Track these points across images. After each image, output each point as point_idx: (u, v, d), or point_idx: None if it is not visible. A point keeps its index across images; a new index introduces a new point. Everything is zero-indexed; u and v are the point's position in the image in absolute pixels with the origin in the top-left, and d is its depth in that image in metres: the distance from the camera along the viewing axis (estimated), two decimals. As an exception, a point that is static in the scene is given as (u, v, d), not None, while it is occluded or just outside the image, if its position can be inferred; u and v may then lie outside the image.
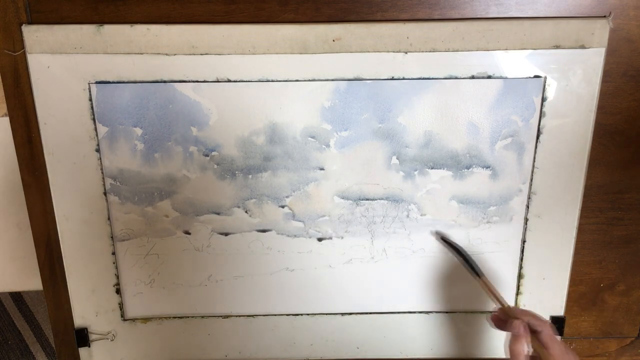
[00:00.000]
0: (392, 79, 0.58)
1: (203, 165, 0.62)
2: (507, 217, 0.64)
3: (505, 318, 0.57)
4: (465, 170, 0.62)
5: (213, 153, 0.61)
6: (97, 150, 0.61)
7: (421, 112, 0.60)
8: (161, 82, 0.58)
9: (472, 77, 0.58)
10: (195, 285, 0.67)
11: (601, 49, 0.57)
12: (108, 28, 0.56)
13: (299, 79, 0.58)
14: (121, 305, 0.67)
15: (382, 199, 0.63)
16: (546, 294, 0.66)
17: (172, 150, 0.61)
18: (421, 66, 0.58)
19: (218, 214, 0.64)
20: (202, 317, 0.68)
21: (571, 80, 0.58)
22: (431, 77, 0.58)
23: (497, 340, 0.69)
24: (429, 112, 0.60)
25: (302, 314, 0.68)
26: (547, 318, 0.67)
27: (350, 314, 0.68)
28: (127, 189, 0.62)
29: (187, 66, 0.58)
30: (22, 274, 0.80)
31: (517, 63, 0.58)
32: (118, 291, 0.67)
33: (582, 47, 0.57)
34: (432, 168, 0.62)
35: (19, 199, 0.72)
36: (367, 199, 0.63)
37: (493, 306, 0.60)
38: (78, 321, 0.67)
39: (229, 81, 0.58)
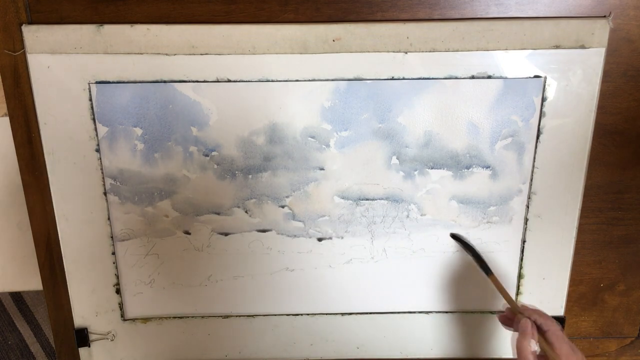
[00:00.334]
0: (392, 79, 0.58)
1: (203, 165, 0.62)
2: (507, 217, 0.64)
3: (512, 316, 0.57)
4: (465, 170, 0.62)
5: (213, 153, 0.61)
6: (97, 150, 0.61)
7: (421, 112, 0.60)
8: (161, 82, 0.58)
9: (472, 77, 0.58)
10: (195, 285, 0.67)
11: (601, 49, 0.57)
12: (108, 28, 0.56)
13: (299, 79, 0.58)
14: (121, 305, 0.67)
15: (382, 199, 0.63)
16: (546, 294, 0.66)
17: (172, 150, 0.61)
18: (421, 66, 0.58)
19: (218, 214, 0.64)
20: (202, 317, 0.68)
21: (571, 80, 0.58)
22: (431, 77, 0.58)
23: (498, 340, 0.69)
24: (429, 112, 0.60)
25: (302, 314, 0.68)
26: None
27: (350, 314, 0.68)
28: (127, 189, 0.62)
29: (187, 66, 0.58)
30: (22, 274, 0.80)
31: (517, 63, 0.58)
32: (118, 291, 0.67)
33: (582, 47, 0.57)
34: (432, 168, 0.62)
35: (19, 199, 0.72)
36: (367, 199, 0.63)
37: (500, 305, 0.60)
38: (78, 321, 0.67)
39: (229, 81, 0.58)
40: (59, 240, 0.64)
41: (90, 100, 0.59)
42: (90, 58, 0.57)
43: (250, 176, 0.62)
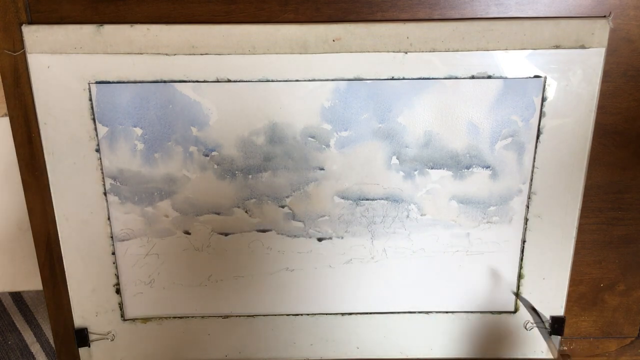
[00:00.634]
0: (392, 79, 0.58)
1: (203, 165, 0.62)
2: (507, 217, 0.64)
3: None
4: (465, 170, 0.62)
5: (213, 153, 0.61)
6: (97, 150, 0.61)
7: (421, 112, 0.60)
8: (161, 82, 0.58)
9: (472, 77, 0.58)
10: (195, 285, 0.67)
11: (601, 49, 0.57)
12: (108, 28, 0.56)
13: (299, 79, 0.58)
14: (121, 305, 0.67)
15: (382, 199, 0.63)
16: (546, 294, 0.66)
17: (172, 150, 0.61)
18: (421, 66, 0.58)
19: (218, 214, 0.64)
20: (202, 317, 0.68)
21: (571, 80, 0.58)
22: (431, 77, 0.58)
23: (498, 340, 0.69)
24: (429, 112, 0.60)
25: (302, 314, 0.68)
26: (547, 318, 0.67)
27: (350, 314, 0.68)
28: (127, 189, 0.62)
29: (187, 66, 0.58)
30: (22, 274, 0.80)
31: (517, 63, 0.58)
32: (118, 291, 0.67)
33: (582, 47, 0.57)
34: (432, 168, 0.62)
35: (19, 199, 0.72)
36: (367, 199, 0.63)
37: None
38: (78, 321, 0.67)
39: (229, 81, 0.58)
40: (59, 240, 0.64)
41: (90, 100, 0.59)
42: (90, 58, 0.57)
43: (250, 176, 0.62)
